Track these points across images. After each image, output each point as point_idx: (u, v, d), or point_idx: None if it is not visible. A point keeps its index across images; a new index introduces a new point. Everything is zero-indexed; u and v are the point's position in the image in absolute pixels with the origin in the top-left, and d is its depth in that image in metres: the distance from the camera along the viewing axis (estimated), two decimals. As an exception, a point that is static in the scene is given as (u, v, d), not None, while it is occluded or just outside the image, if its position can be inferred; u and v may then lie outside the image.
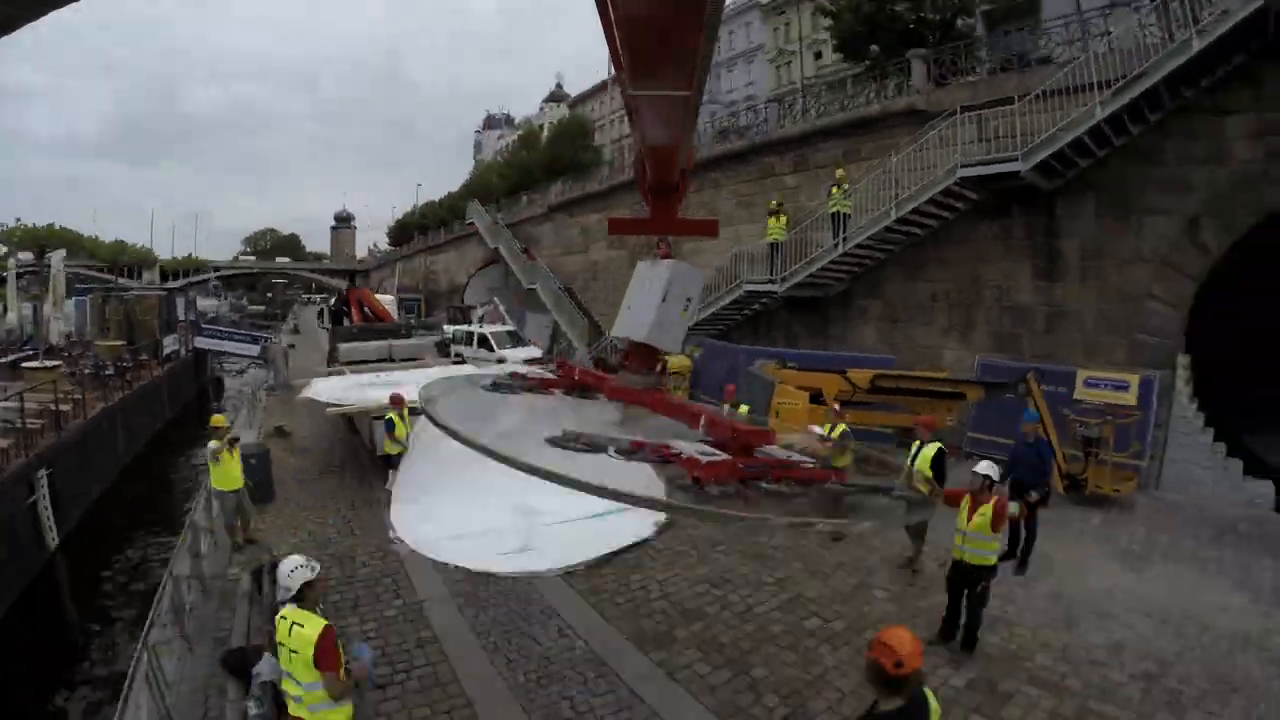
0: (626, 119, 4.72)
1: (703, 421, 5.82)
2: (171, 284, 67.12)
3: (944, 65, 17.68)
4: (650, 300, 6.14)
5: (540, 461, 4.53)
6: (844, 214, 16.37)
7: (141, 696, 5.25)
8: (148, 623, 6.05)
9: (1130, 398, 12.83)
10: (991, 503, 6.86)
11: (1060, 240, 14.02)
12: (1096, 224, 13.59)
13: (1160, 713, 6.11)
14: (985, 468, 7.06)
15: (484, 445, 5.00)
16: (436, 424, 5.66)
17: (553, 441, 5.49)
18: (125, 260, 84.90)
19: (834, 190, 16.77)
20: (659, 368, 6.94)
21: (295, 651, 4.24)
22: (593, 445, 5.53)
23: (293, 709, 4.37)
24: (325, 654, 4.23)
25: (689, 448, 5.47)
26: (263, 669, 5.54)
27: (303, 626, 4.27)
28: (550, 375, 8.19)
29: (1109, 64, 12.68)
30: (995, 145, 14.29)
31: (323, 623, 4.36)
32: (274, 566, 7.85)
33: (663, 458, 5.22)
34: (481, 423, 6.13)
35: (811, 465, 5.52)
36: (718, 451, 5.27)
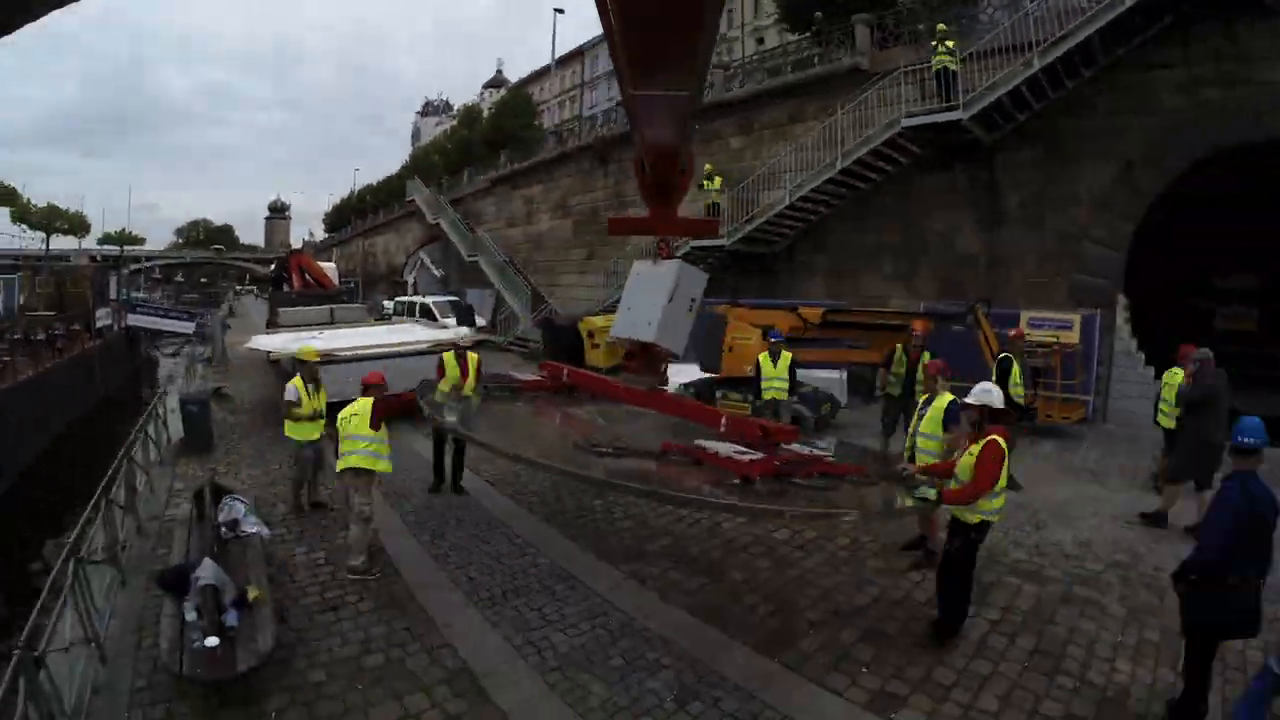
0: (628, 120, 4.97)
1: (724, 422, 6.09)
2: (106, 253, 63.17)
3: (886, 29, 17.89)
4: (655, 300, 5.98)
5: (593, 471, 5.26)
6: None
7: (65, 617, 4.57)
8: (71, 540, 5.43)
9: (1074, 336, 13.30)
10: (982, 443, 5.08)
11: (1001, 189, 14.42)
12: (1035, 173, 14.00)
13: (1142, 593, 6.24)
14: (980, 394, 5.27)
15: (532, 459, 5.91)
16: (477, 443, 6.82)
17: (584, 448, 5.84)
18: (59, 225, 79.18)
19: (704, 184, 17.77)
20: (662, 368, 6.89)
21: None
22: (625, 451, 5.82)
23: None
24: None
25: (722, 448, 5.58)
26: (203, 573, 5.20)
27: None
28: (537, 377, 8.25)
29: (1045, 26, 12.96)
30: (935, 101, 14.52)
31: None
32: (216, 488, 7.47)
33: (696, 459, 5.43)
34: (517, 435, 6.95)
35: (833, 460, 5.90)
36: (750, 450, 5.45)
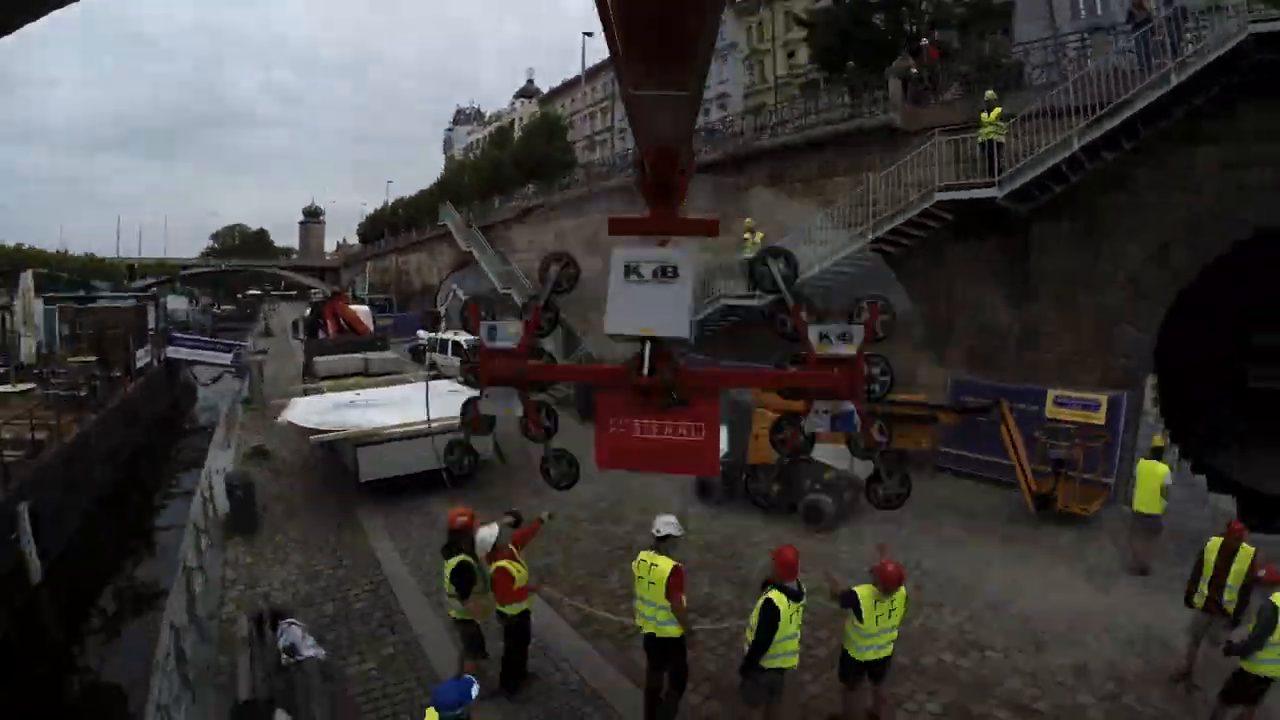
0: (627, 119, 4.51)
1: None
2: (141, 284, 65.17)
3: (921, 83, 18.05)
4: (677, 288, 5.63)
5: None
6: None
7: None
8: (154, 675, 6.12)
9: (1099, 417, 13.46)
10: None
11: (1033, 262, 14.52)
12: (1069, 246, 14.05)
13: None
14: (664, 525, 6.49)
15: None
16: None
17: None
18: (96, 271, 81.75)
19: (746, 238, 17.78)
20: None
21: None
22: None
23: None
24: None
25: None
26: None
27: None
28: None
29: (1084, 90, 13.04)
30: (971, 166, 14.71)
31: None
32: (274, 615, 8.07)
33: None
34: None
35: None
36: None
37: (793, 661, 6.10)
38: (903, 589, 6.18)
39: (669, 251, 5.70)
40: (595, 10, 2.67)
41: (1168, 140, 12.82)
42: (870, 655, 6.19)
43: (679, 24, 2.69)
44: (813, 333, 5.28)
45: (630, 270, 5.59)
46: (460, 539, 6.91)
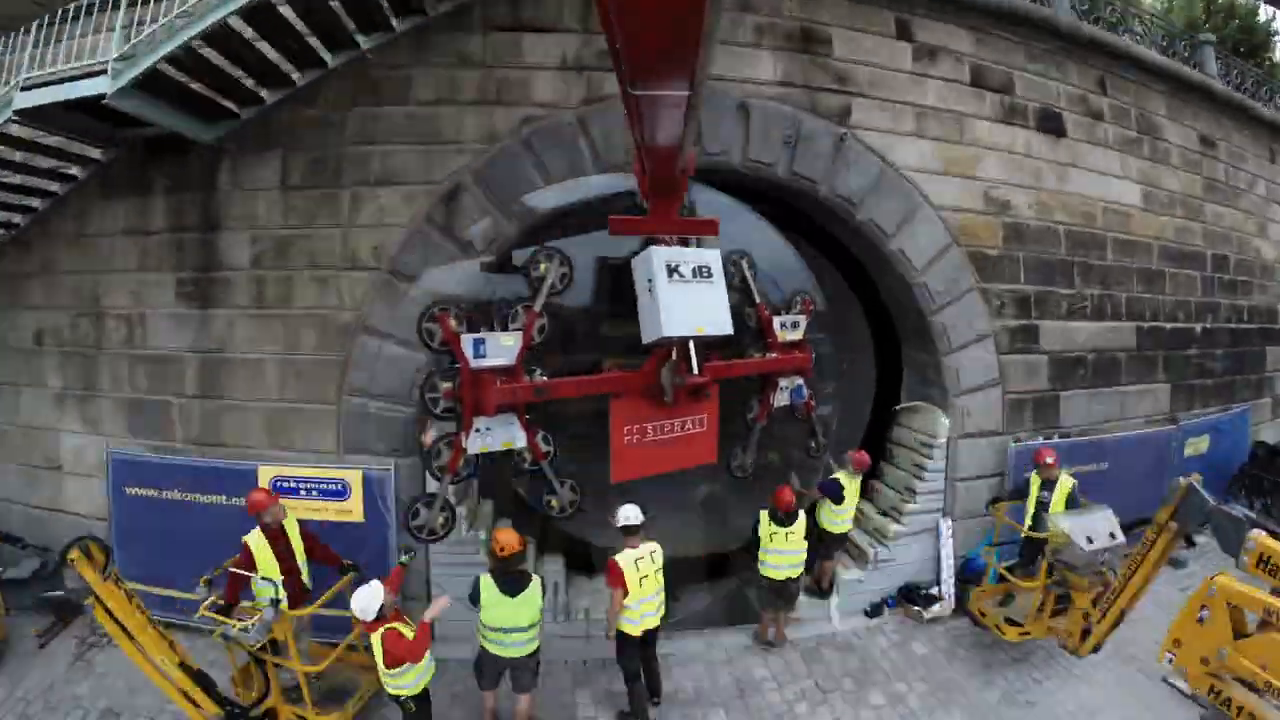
0: (626, 119, 4.42)
1: None
2: None
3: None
4: (711, 288, 5.95)
5: None
6: None
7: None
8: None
9: (354, 506, 7.67)
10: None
11: (224, 233, 8.04)
12: (285, 204, 8.02)
13: None
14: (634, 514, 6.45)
15: None
16: None
17: None
18: None
19: None
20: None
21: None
22: None
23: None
24: None
25: None
26: None
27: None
28: None
29: None
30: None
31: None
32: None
33: None
34: None
35: None
36: None
37: (784, 574, 7.38)
38: None
39: (702, 251, 6.21)
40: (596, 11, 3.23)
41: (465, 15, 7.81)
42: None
43: (678, 25, 2.69)
44: (776, 324, 7.49)
45: (672, 271, 5.90)
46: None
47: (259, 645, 5.87)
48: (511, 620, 5.86)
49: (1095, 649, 6.67)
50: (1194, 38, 12.63)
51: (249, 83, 7.69)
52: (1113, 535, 6.41)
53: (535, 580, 6.05)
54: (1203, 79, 11.92)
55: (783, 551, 7.33)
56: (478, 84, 7.88)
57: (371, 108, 7.98)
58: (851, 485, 8.02)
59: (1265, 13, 19.38)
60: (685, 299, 5.88)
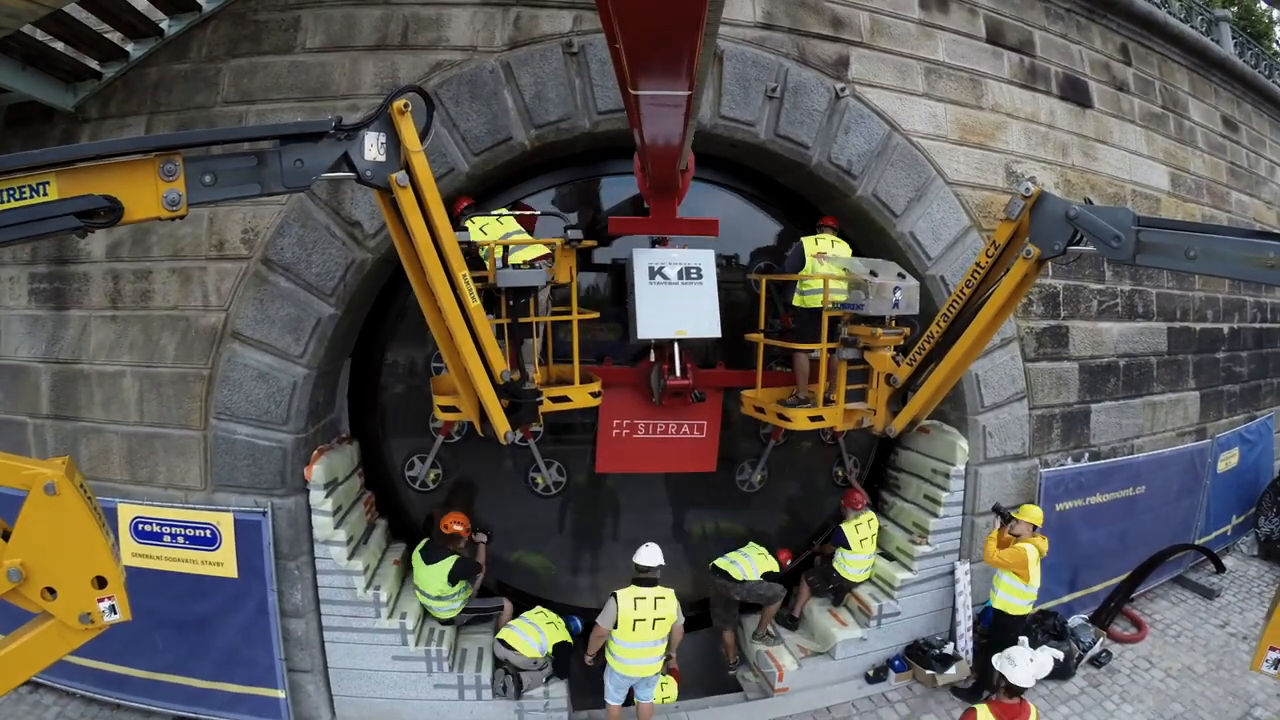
0: (627, 118, 4.14)
1: None
2: None
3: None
4: (702, 289, 5.25)
5: None
6: None
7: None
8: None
9: (225, 558, 5.20)
10: None
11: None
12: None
13: None
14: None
15: None
16: None
17: None
18: None
19: None
20: None
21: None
22: None
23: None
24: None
25: None
26: None
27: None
28: None
29: None
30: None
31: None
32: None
33: None
34: None
35: None
36: None
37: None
38: None
39: (691, 252, 5.45)
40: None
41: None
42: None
43: (679, 25, 2.48)
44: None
45: (655, 272, 5.31)
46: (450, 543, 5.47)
47: None
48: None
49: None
50: (1211, 13, 9.96)
51: (114, 37, 5.22)
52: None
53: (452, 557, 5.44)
54: (1224, 54, 9.36)
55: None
56: (379, 24, 5.37)
57: (251, 58, 5.49)
58: (857, 530, 5.91)
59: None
60: (666, 301, 5.21)
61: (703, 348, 5.83)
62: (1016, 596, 5.50)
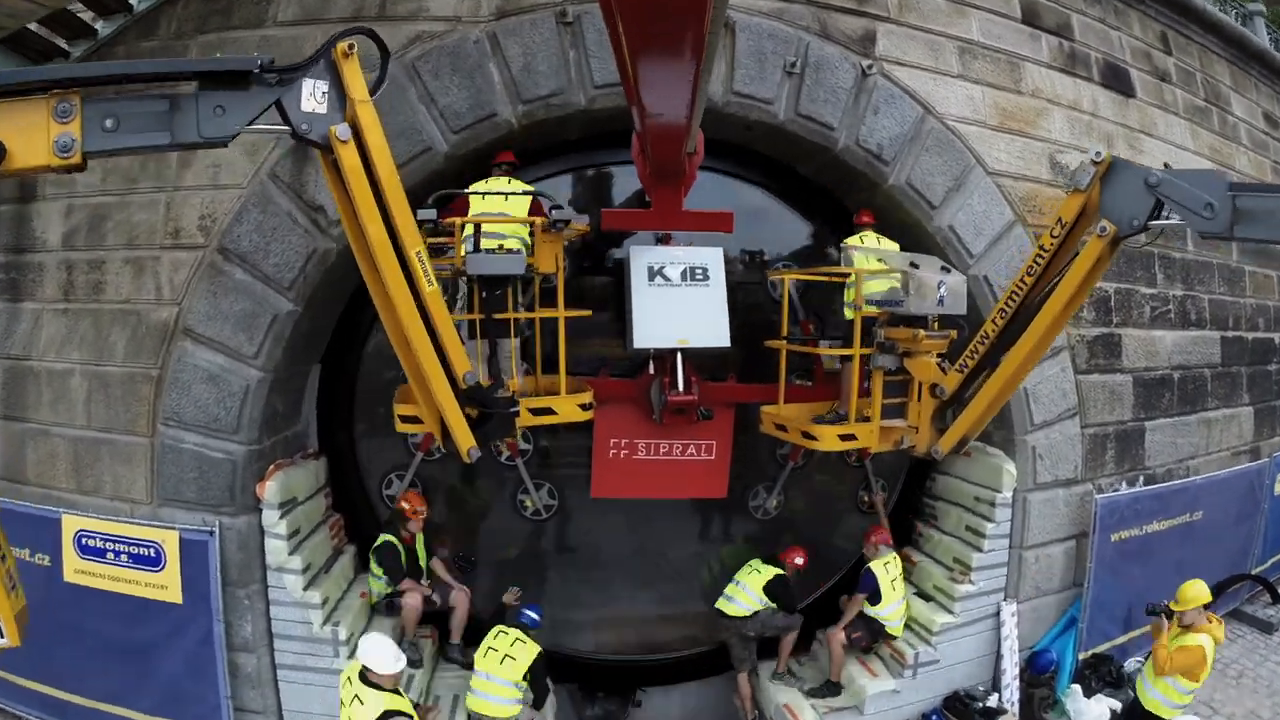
0: (624, 92, 3.38)
1: None
2: None
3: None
4: (709, 294, 4.50)
5: None
6: None
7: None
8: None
9: (169, 580, 4.48)
10: None
11: (40, 203, 5.05)
12: (106, 164, 4.85)
13: None
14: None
15: None
16: None
17: None
18: None
19: None
20: None
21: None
22: None
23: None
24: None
25: None
26: None
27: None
28: None
29: None
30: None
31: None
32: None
33: None
34: None
35: None
36: None
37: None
38: None
39: (697, 250, 4.71)
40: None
41: None
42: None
43: None
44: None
45: (655, 272, 4.59)
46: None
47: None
48: None
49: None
50: (1244, 6, 9.28)
51: (86, 16, 4.73)
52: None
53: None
54: (1262, 46, 8.75)
55: None
56: (356, -7, 4.72)
57: (220, 33, 4.93)
58: (887, 570, 5.02)
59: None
60: (667, 306, 4.52)
61: (712, 358, 5.02)
62: (1176, 699, 4.37)
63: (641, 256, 4.64)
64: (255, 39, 4.86)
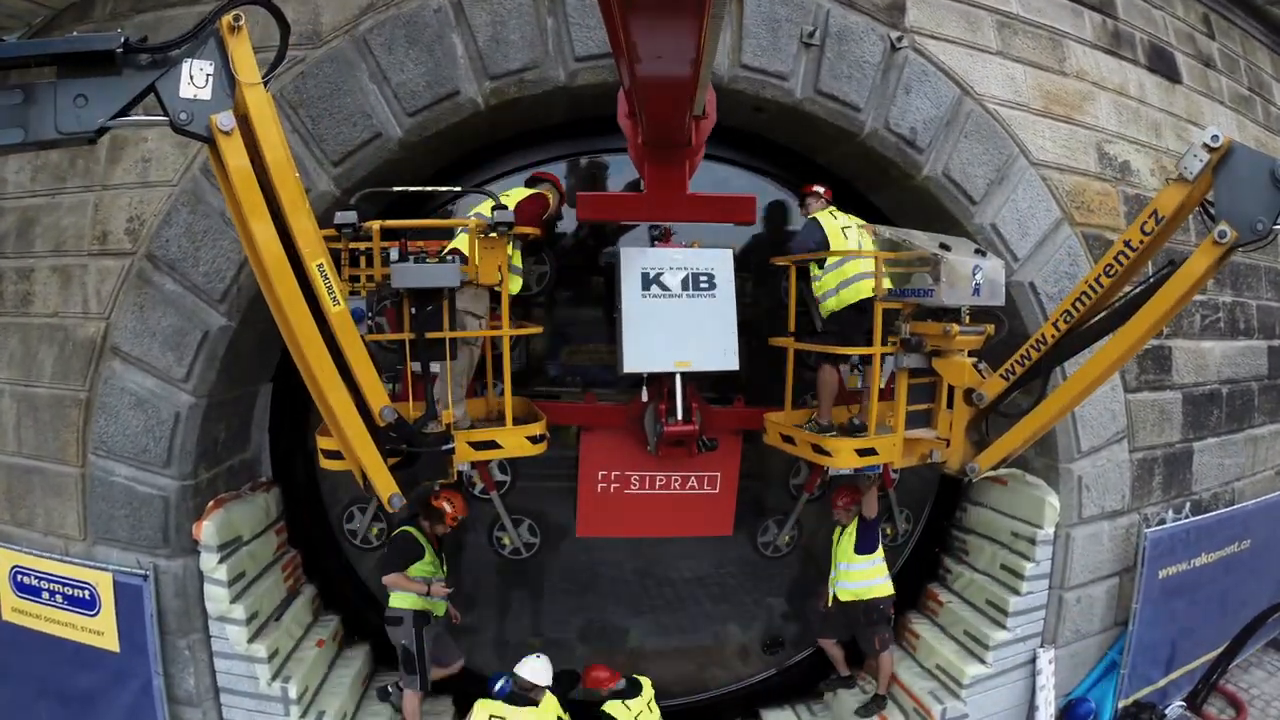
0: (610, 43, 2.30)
1: None
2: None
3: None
4: (718, 308, 3.53)
5: None
6: None
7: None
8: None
9: (105, 626, 3.59)
10: None
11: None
12: (38, 161, 4.00)
13: None
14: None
15: None
16: None
17: None
18: None
19: None
20: None
21: None
22: None
23: None
24: None
25: None
26: None
27: None
28: None
29: None
30: None
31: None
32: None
33: None
34: None
35: None
36: None
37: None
38: None
39: (701, 252, 3.72)
40: None
41: None
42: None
43: None
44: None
45: (650, 280, 3.59)
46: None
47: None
48: None
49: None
50: (1275, -8, 8.06)
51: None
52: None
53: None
54: None
55: None
56: (304, -43, 3.75)
57: (156, 11, 3.98)
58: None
59: None
60: (664, 321, 3.52)
61: (716, 378, 4.07)
62: None
63: (634, 261, 3.66)
64: (192, 15, 3.88)
